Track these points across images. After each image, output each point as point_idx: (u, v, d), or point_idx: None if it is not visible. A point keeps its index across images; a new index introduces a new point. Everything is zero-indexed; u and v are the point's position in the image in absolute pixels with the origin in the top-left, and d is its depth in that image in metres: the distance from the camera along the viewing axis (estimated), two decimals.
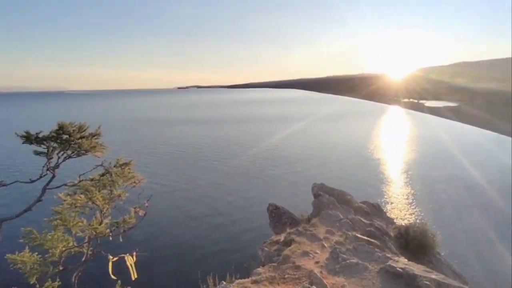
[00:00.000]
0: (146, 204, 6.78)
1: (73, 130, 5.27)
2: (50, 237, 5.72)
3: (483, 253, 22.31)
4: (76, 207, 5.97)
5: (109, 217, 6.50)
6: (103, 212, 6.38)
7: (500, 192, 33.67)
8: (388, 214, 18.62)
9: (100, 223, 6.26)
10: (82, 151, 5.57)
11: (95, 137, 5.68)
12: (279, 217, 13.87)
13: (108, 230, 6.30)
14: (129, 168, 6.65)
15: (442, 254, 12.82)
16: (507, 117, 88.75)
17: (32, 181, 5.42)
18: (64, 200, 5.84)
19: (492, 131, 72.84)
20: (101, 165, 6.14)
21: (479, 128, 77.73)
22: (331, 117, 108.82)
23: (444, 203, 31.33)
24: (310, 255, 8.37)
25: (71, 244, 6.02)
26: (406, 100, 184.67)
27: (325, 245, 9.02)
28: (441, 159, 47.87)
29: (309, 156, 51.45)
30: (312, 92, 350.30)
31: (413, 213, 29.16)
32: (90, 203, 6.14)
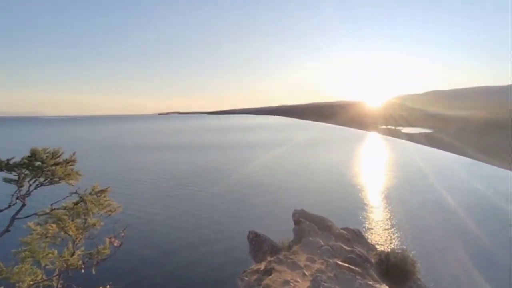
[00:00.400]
0: (122, 234, 6.54)
1: (46, 157, 5.11)
2: (17, 270, 5.39)
3: (460, 278, 22.60)
4: (46, 237, 5.69)
5: (82, 248, 6.21)
6: (75, 243, 6.09)
7: (472, 215, 34.89)
8: (368, 240, 18.67)
9: (72, 255, 5.96)
10: (56, 179, 5.38)
11: (70, 163, 5.53)
12: (260, 245, 13.63)
13: (80, 262, 6.00)
14: (105, 196, 6.45)
15: (422, 280, 12.87)
16: (475, 143, 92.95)
17: (0, 211, 5.17)
18: (34, 230, 5.57)
19: (461, 155, 76.19)
20: (75, 192, 5.93)
21: (451, 153, 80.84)
22: (311, 143, 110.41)
23: (422, 227, 31.87)
24: (291, 284, 8.21)
25: (39, 277, 5.68)
26: (383, 126, 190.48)
27: (306, 273, 8.89)
28: (418, 184, 49.08)
29: (289, 182, 51.54)
30: (293, 118, 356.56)
31: (393, 239, 29.36)
32: (62, 233, 5.87)
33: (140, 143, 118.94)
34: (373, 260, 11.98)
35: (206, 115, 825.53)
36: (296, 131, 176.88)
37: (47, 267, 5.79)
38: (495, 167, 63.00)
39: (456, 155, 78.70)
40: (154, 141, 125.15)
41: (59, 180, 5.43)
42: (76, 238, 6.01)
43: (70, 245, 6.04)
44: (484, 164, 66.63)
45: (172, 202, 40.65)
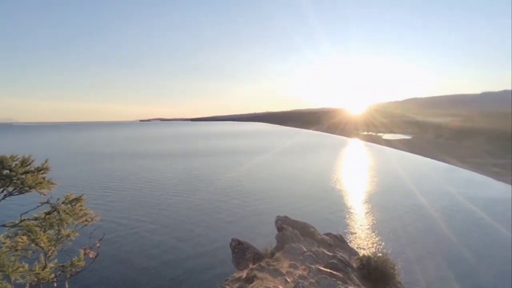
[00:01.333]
0: (98, 245, 6.30)
1: (15, 165, 4.87)
2: None
3: (437, 278, 23.19)
4: (16, 250, 5.41)
5: (55, 260, 5.93)
6: (48, 255, 5.82)
7: (448, 219, 36.21)
8: (351, 245, 18.86)
9: (44, 268, 5.69)
10: (26, 188, 5.13)
11: (42, 171, 5.29)
12: (243, 253, 13.50)
13: (52, 275, 5.72)
14: (80, 205, 6.21)
15: (402, 282, 13.05)
16: (452, 149, 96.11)
17: None
18: (3, 243, 5.29)
19: (439, 161, 78.87)
20: (47, 202, 5.67)
21: (429, 159, 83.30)
22: (295, 149, 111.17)
23: (401, 231, 32.63)
24: None
25: None
26: (365, 133, 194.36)
27: (288, 279, 8.84)
28: (397, 189, 50.14)
29: (273, 189, 51.58)
30: (277, 125, 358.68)
31: (374, 243, 29.79)
32: (33, 245, 5.60)
33: (120, 150, 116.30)
34: (354, 265, 12.07)
35: (189, 121, 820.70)
36: (280, 138, 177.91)
37: (17, 281, 5.49)
38: (471, 172, 65.28)
39: (434, 161, 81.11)
40: (135, 148, 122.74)
41: (29, 189, 5.18)
42: (49, 250, 5.74)
43: (42, 258, 5.76)
44: (460, 169, 68.94)
45: (151, 210, 39.86)
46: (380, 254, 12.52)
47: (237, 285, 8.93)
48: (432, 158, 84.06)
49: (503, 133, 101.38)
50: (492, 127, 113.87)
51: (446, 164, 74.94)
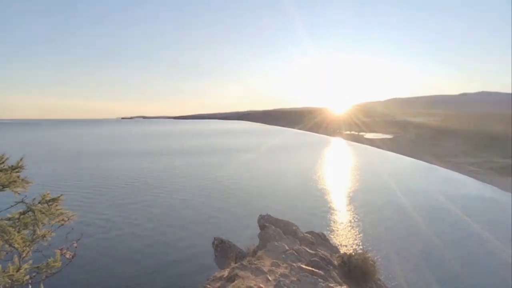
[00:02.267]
0: (75, 245, 6.14)
1: None
2: None
3: (416, 275, 23.85)
4: None
5: (30, 261, 5.75)
6: (22, 256, 5.64)
7: (426, 216, 37.32)
8: (332, 242, 19.13)
9: (18, 269, 5.51)
10: None
11: (16, 170, 5.11)
12: (225, 252, 13.48)
13: (27, 277, 5.54)
14: (57, 205, 6.04)
15: (382, 277, 13.35)
16: (430, 148, 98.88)
17: None
18: None
19: (418, 160, 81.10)
20: (22, 201, 5.48)
21: (409, 158, 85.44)
22: (278, 149, 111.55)
23: (382, 228, 33.35)
24: None
25: None
26: (347, 132, 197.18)
27: (270, 278, 8.89)
28: (379, 188, 51.15)
29: (256, 187, 51.66)
30: (261, 124, 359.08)
31: (356, 240, 30.32)
32: (7, 246, 5.40)
33: (100, 148, 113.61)
34: (336, 262, 12.25)
35: (172, 119, 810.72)
36: (264, 137, 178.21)
37: None
38: (449, 170, 67.34)
39: (414, 160, 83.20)
40: (116, 147, 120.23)
41: (3, 188, 5.00)
42: (23, 251, 5.55)
43: (16, 259, 5.57)
44: (439, 168, 71.01)
45: (133, 209, 39.20)
46: (360, 251, 12.77)
47: (218, 284, 8.91)
48: (412, 157, 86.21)
49: (478, 133, 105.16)
50: (468, 128, 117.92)
51: (426, 163, 77.01)
